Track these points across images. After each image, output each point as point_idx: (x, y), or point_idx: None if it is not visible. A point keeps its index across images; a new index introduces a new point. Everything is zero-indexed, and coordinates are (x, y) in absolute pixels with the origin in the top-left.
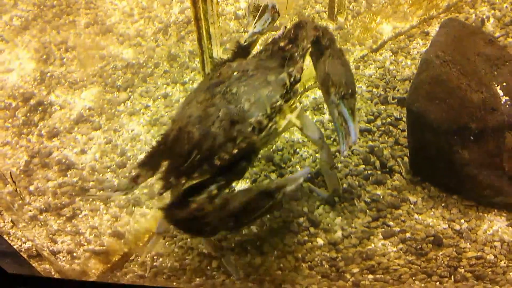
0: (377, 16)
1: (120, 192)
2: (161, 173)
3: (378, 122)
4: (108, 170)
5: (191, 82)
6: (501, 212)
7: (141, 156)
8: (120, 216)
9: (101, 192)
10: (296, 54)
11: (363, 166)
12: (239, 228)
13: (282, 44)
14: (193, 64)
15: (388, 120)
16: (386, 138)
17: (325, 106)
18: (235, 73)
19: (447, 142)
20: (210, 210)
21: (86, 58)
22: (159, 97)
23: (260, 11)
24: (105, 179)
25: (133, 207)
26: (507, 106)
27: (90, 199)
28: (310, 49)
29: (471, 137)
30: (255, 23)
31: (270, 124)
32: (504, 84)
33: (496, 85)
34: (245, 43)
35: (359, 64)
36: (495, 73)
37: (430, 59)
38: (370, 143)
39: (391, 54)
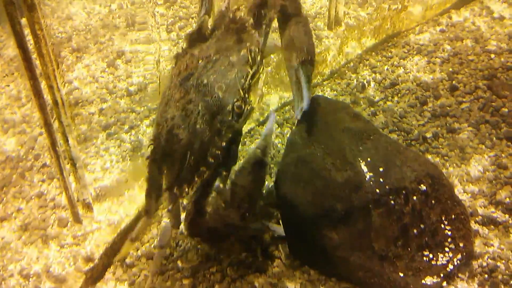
0: (264, 86)
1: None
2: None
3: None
4: None
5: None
6: None
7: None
8: None
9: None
10: (247, 24)
11: (245, 253)
12: (254, 208)
13: (235, 15)
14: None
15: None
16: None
17: None
18: (200, 62)
19: (317, 225)
20: (224, 204)
21: None
22: (33, 197)
23: None
24: None
25: None
26: (371, 183)
27: None
28: (275, 18)
29: (339, 219)
30: (201, 5)
31: (246, 106)
32: (369, 159)
33: (361, 161)
34: (197, 28)
35: (245, 139)
36: (360, 148)
37: (295, 140)
38: None
39: (277, 126)
